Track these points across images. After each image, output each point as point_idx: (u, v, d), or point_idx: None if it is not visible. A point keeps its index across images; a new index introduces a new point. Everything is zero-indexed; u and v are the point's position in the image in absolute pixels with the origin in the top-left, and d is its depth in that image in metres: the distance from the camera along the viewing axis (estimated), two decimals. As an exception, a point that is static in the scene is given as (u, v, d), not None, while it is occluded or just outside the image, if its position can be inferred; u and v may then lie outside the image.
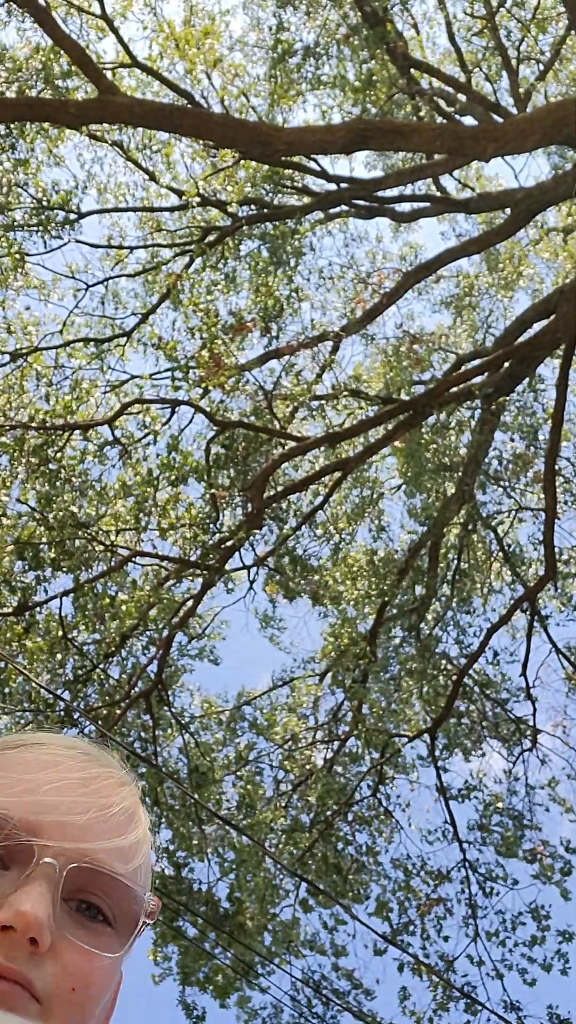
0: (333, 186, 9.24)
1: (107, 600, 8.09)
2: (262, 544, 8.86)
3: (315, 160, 9.03)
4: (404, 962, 8.10)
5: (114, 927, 0.70)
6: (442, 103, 9.27)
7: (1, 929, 0.63)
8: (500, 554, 9.16)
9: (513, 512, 9.29)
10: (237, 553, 8.46)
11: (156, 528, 8.20)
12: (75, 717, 7.83)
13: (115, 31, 8.46)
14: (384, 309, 9.38)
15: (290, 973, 8.12)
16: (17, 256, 8.59)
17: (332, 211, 9.54)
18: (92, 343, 8.99)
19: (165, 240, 9.43)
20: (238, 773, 8.88)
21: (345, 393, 8.84)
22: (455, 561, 9.02)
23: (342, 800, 8.67)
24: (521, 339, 8.55)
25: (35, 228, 8.67)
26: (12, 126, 8.21)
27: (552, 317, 8.14)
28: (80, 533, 7.78)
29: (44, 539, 7.67)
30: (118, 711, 8.20)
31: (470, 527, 8.96)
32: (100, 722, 7.75)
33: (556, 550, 8.36)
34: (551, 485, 8.10)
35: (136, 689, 8.37)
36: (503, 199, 8.94)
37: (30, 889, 0.64)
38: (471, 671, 8.79)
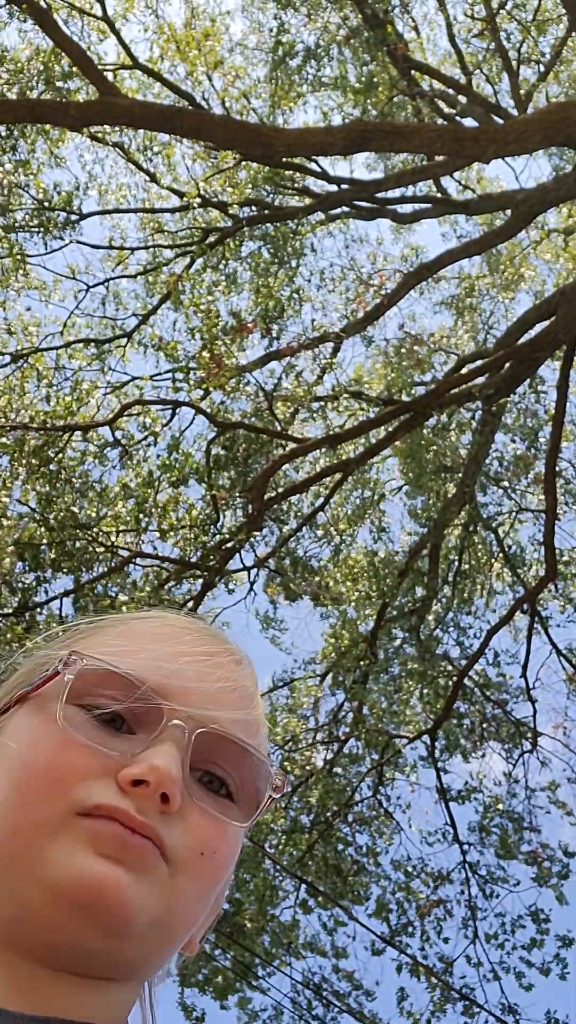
0: (334, 187, 9.25)
1: (108, 601, 8.09)
2: (263, 545, 8.87)
3: (316, 161, 9.04)
4: (403, 963, 8.10)
5: (236, 802, 0.68)
6: (443, 105, 9.27)
7: (133, 784, 0.62)
8: (501, 555, 9.16)
9: (514, 513, 9.29)
10: (238, 554, 8.46)
11: (157, 529, 8.20)
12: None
13: (116, 33, 8.48)
14: (385, 310, 9.39)
15: (289, 975, 8.12)
16: (18, 257, 8.60)
17: (333, 212, 9.55)
18: (93, 344, 9.00)
19: (166, 241, 9.44)
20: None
21: (346, 394, 8.84)
22: (456, 562, 9.02)
23: (342, 801, 8.67)
24: (522, 340, 8.55)
25: (36, 229, 8.68)
26: (13, 127, 8.23)
27: (553, 318, 8.14)
28: (80, 534, 7.78)
29: (44, 540, 7.67)
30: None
31: (471, 528, 8.96)
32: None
33: (557, 551, 8.35)
34: (552, 486, 8.10)
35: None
36: (504, 200, 8.94)
37: (161, 748, 0.64)
38: (471, 672, 8.78)
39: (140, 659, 0.68)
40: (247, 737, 0.69)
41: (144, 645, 0.71)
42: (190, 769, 0.65)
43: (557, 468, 8.29)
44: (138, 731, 0.66)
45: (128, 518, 8.09)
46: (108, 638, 0.73)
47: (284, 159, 8.25)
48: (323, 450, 8.82)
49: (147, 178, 9.26)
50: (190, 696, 0.67)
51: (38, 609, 8.04)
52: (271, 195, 9.26)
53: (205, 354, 7.93)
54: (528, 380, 8.72)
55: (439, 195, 9.66)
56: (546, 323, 8.28)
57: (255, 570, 8.80)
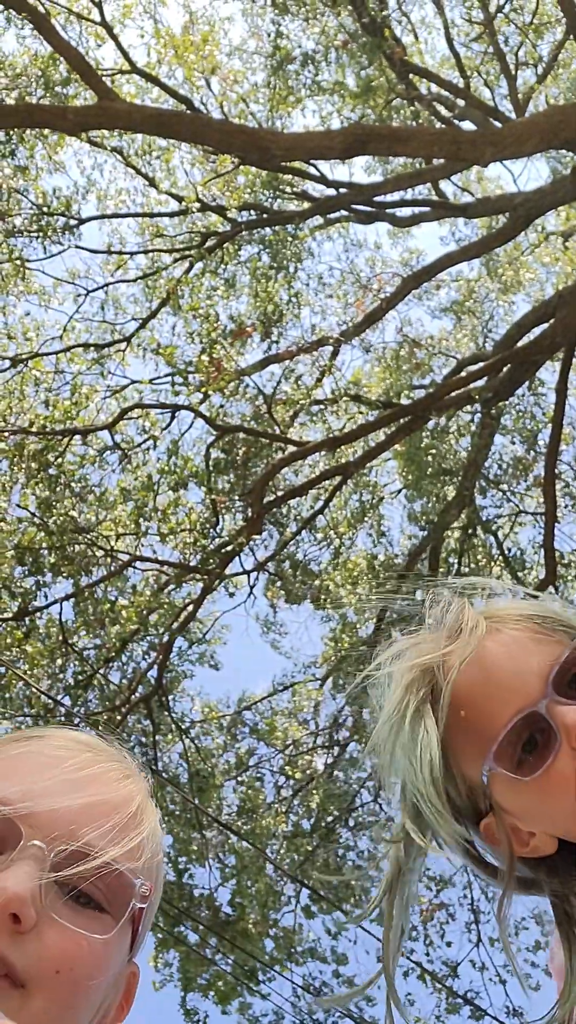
0: (332, 191, 9.26)
1: (107, 605, 8.09)
2: (262, 549, 8.86)
3: (314, 165, 9.05)
4: (407, 968, 8.07)
5: (110, 912, 0.69)
6: (441, 108, 9.29)
7: None
8: (500, 558, 9.15)
9: (513, 516, 9.28)
10: (237, 558, 8.46)
11: (156, 533, 8.20)
12: (75, 722, 7.82)
13: (114, 37, 8.49)
14: (384, 314, 9.39)
15: (291, 980, 8.09)
16: (18, 262, 8.61)
17: (331, 216, 9.56)
18: (92, 348, 9.00)
19: (165, 245, 9.45)
20: (239, 778, 8.86)
21: (345, 398, 8.84)
22: (455, 565, 9.01)
23: (343, 806, 8.65)
24: (521, 343, 8.55)
25: (35, 234, 8.69)
26: (12, 132, 8.24)
27: (552, 321, 8.14)
28: (80, 538, 7.78)
29: (44, 544, 7.67)
30: (118, 716, 8.19)
31: (470, 531, 8.95)
32: (100, 727, 7.74)
33: (556, 554, 8.34)
34: (551, 489, 8.10)
35: (136, 694, 8.37)
36: (502, 203, 8.95)
37: (15, 869, 0.65)
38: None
39: (12, 782, 0.70)
40: (118, 847, 0.70)
41: (16, 767, 0.73)
42: (59, 886, 0.67)
43: (556, 470, 8.28)
44: (3, 852, 0.67)
45: (128, 522, 8.09)
46: None
47: (282, 163, 8.26)
48: (322, 453, 8.81)
49: (146, 183, 9.28)
50: (57, 816, 0.68)
51: (37, 613, 8.03)
52: (270, 199, 9.27)
53: (204, 358, 7.94)
54: (527, 383, 8.72)
55: (437, 199, 9.67)
56: (545, 326, 8.28)
57: (255, 574, 8.80)
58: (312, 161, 8.83)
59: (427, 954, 8.34)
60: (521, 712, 0.92)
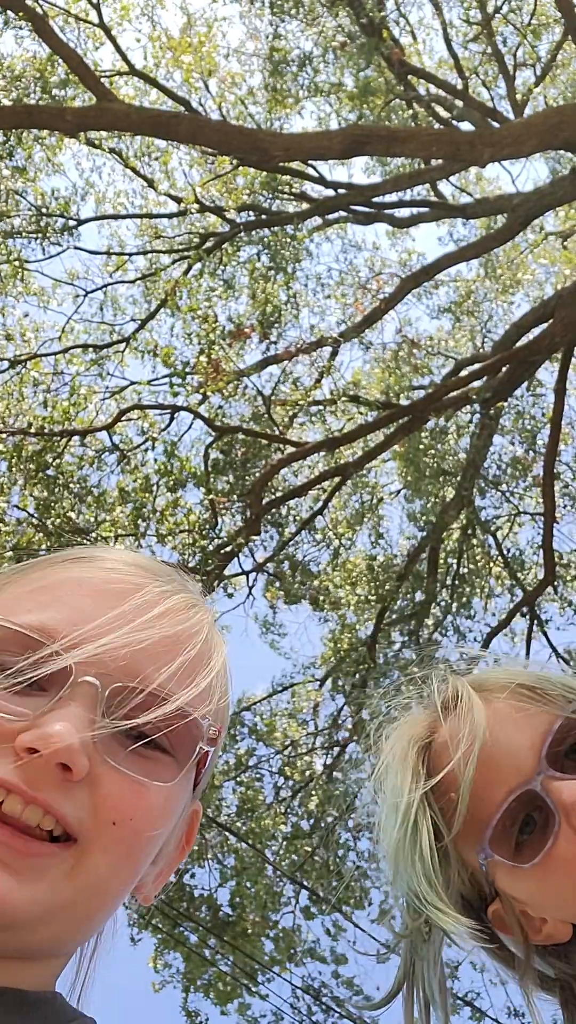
0: (331, 192, 9.26)
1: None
2: (261, 549, 8.86)
3: (313, 166, 9.05)
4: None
5: (173, 756, 0.63)
6: (439, 109, 9.29)
7: (27, 751, 0.57)
8: (499, 558, 9.15)
9: (512, 516, 9.28)
10: (236, 558, 8.46)
11: (155, 534, 8.20)
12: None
13: (112, 39, 8.50)
14: (382, 314, 9.39)
15: (290, 981, 8.08)
16: (16, 263, 8.61)
17: (330, 217, 9.56)
18: (91, 349, 9.01)
19: (163, 246, 9.45)
20: (238, 779, 8.85)
21: (344, 398, 8.84)
22: (454, 566, 9.01)
23: (343, 806, 8.64)
24: (520, 343, 8.55)
25: (34, 235, 8.70)
26: (10, 134, 8.24)
27: (550, 321, 8.14)
28: (79, 539, 7.78)
29: (43, 545, 7.67)
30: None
31: (469, 531, 8.94)
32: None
33: (555, 554, 8.34)
34: (550, 489, 8.09)
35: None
36: (501, 204, 8.96)
37: (63, 711, 0.58)
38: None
39: (51, 612, 0.62)
40: (180, 686, 0.63)
41: (61, 593, 0.65)
42: (115, 724, 0.60)
43: (555, 471, 8.28)
44: (49, 688, 0.60)
45: (126, 523, 8.09)
46: (25, 589, 0.67)
47: (281, 164, 8.26)
48: (321, 454, 8.81)
49: (145, 184, 9.28)
50: (113, 649, 0.61)
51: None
52: (268, 200, 9.27)
53: (203, 359, 7.94)
54: (526, 383, 8.72)
55: (436, 199, 9.67)
56: (544, 326, 8.28)
57: (254, 574, 8.79)
58: (311, 162, 8.83)
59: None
60: (514, 792, 0.83)
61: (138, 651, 0.62)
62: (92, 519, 8.09)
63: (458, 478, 8.48)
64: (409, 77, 8.97)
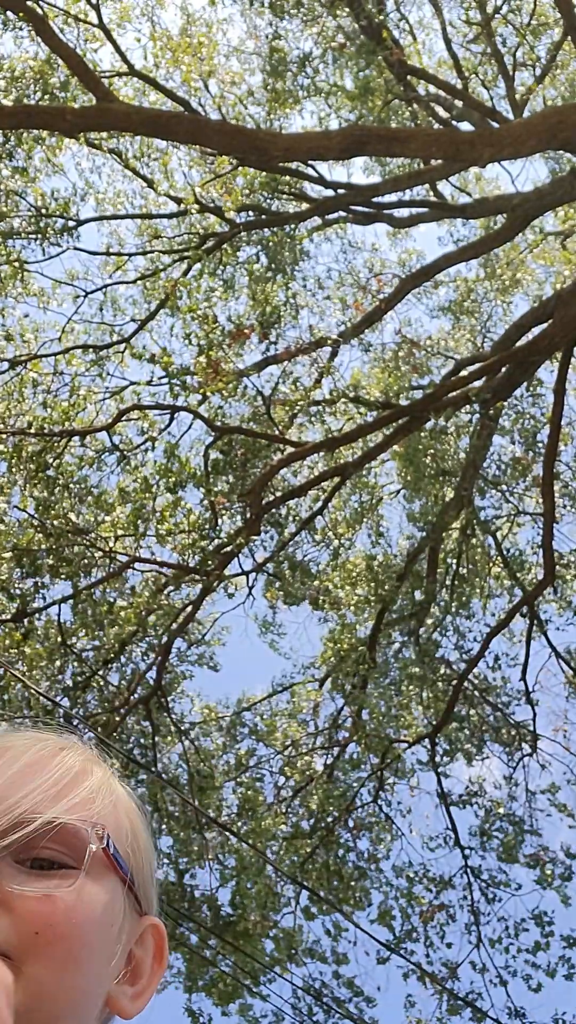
0: (331, 192, 9.27)
1: (106, 606, 8.09)
2: (261, 550, 8.86)
3: (312, 166, 9.05)
4: (407, 970, 8.07)
5: (76, 867, 0.68)
6: (439, 109, 9.30)
7: None
8: (499, 558, 9.15)
9: (512, 516, 9.29)
10: (236, 559, 8.46)
11: (155, 534, 8.20)
12: (74, 724, 7.80)
13: (112, 40, 8.50)
14: (382, 315, 9.40)
15: (291, 981, 8.08)
16: (16, 264, 8.61)
17: (330, 217, 9.56)
18: (91, 350, 9.01)
19: (163, 247, 9.45)
20: (238, 779, 8.86)
21: (343, 398, 8.84)
22: (454, 566, 9.01)
23: (343, 806, 8.64)
24: (519, 343, 8.56)
25: (34, 236, 8.70)
26: (10, 134, 8.25)
27: (550, 321, 8.14)
28: (79, 540, 7.78)
29: (43, 546, 7.67)
30: (117, 718, 8.18)
31: (469, 531, 8.95)
32: (99, 729, 7.74)
33: (555, 554, 8.34)
34: (549, 489, 8.10)
35: (135, 695, 8.36)
36: (500, 204, 8.96)
37: None
38: (471, 676, 8.77)
39: None
40: (63, 803, 0.69)
41: None
42: (12, 860, 0.66)
43: (555, 471, 8.28)
44: None
45: (126, 523, 8.09)
46: None
47: (281, 164, 8.26)
48: (321, 454, 8.82)
49: (144, 184, 9.28)
50: None
51: (36, 615, 8.03)
52: (268, 200, 9.28)
53: (202, 359, 7.94)
54: (526, 383, 8.72)
55: (436, 199, 9.67)
56: (543, 326, 8.28)
57: (254, 574, 8.80)
58: (310, 162, 8.84)
59: (427, 956, 8.34)
60: None
61: (9, 788, 0.69)
62: (92, 519, 8.09)
63: (458, 478, 8.48)
64: (409, 77, 8.97)
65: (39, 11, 7.50)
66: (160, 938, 0.77)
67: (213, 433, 8.44)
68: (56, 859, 0.67)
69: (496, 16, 9.06)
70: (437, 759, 8.68)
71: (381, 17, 8.58)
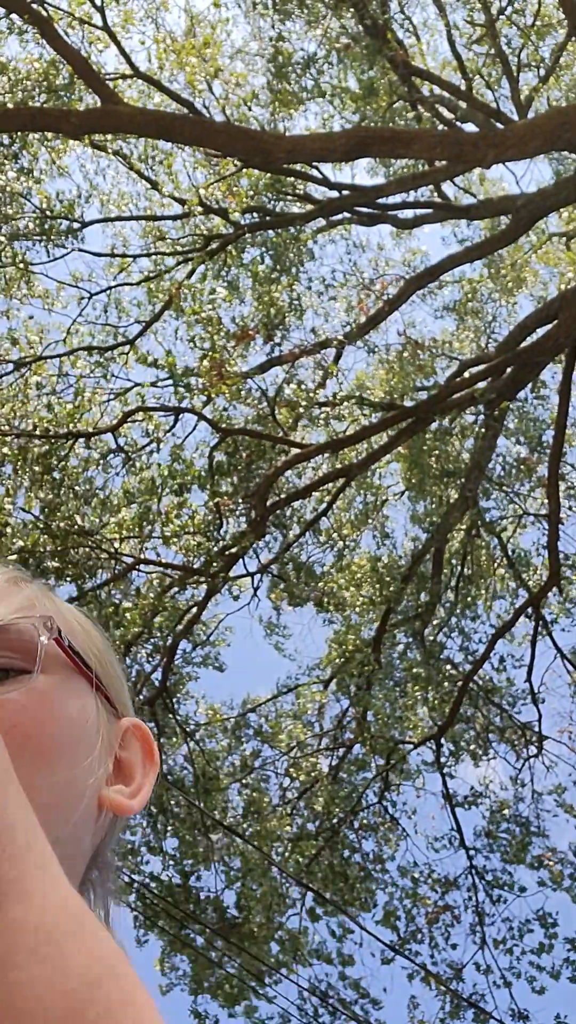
0: (335, 193, 9.27)
1: (111, 608, 8.09)
2: (266, 551, 8.86)
3: (316, 168, 9.06)
4: (412, 971, 8.06)
5: (31, 670, 0.65)
6: (443, 110, 9.29)
7: None
8: (504, 560, 9.14)
9: (517, 517, 9.28)
10: (241, 560, 8.46)
11: (160, 536, 8.20)
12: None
13: (117, 42, 8.51)
14: (387, 316, 9.39)
15: (296, 983, 8.08)
16: (21, 265, 8.62)
17: (334, 218, 9.56)
18: (96, 351, 9.02)
19: (167, 249, 9.46)
20: (243, 781, 8.86)
21: (348, 400, 8.84)
22: (459, 567, 9.01)
23: (348, 807, 8.64)
24: (524, 344, 8.55)
25: (39, 238, 8.71)
26: (15, 136, 8.26)
27: (555, 322, 8.14)
28: (84, 541, 7.78)
29: (48, 547, 7.68)
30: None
31: (474, 533, 8.94)
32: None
33: (560, 555, 8.34)
34: (555, 490, 8.09)
35: (141, 697, 8.36)
36: (504, 205, 8.95)
37: None
38: (476, 677, 8.76)
39: None
40: (3, 607, 0.67)
41: None
42: None
43: (560, 472, 8.27)
44: None
45: (131, 525, 8.09)
46: None
47: (285, 165, 8.27)
48: (326, 456, 8.82)
49: (148, 186, 9.30)
50: None
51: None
52: (272, 202, 9.28)
53: (207, 362, 7.94)
54: (530, 384, 8.72)
55: (440, 200, 9.67)
56: (548, 327, 8.28)
57: (258, 576, 8.80)
58: (315, 164, 8.84)
59: (432, 956, 8.34)
60: None
61: None
62: (97, 521, 8.09)
63: (462, 479, 8.48)
64: (413, 78, 8.97)
65: (44, 14, 7.51)
66: (144, 735, 0.74)
67: (218, 435, 8.44)
68: (8, 666, 0.64)
69: (500, 17, 9.06)
70: (442, 760, 8.68)
71: (385, 18, 8.59)
